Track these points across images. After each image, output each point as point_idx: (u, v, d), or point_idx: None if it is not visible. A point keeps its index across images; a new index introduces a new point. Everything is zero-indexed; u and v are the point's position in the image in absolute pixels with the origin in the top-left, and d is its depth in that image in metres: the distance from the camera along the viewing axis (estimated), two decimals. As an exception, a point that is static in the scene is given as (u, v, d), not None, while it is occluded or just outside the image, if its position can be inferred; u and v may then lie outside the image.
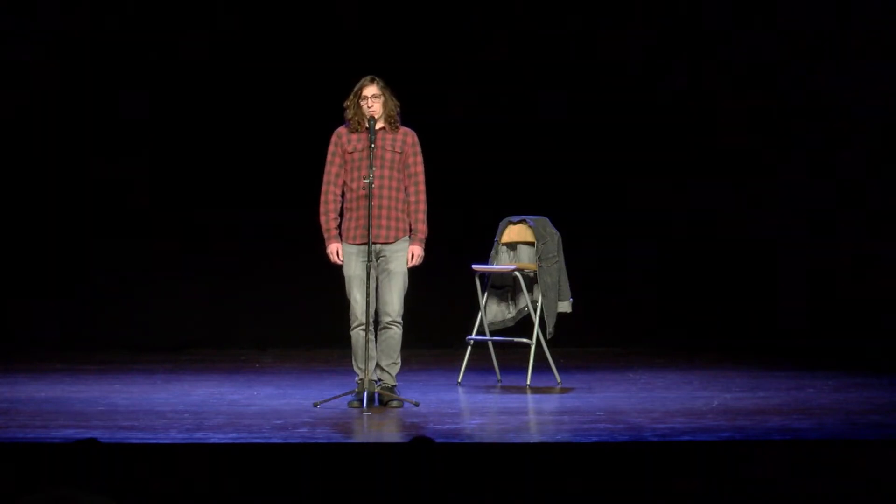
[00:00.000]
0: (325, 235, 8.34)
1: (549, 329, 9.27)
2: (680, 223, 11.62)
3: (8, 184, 11.42)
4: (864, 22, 11.55)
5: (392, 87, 8.30)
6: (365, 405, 8.06)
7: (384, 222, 8.25)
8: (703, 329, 11.50)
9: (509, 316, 9.60)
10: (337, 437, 7.18)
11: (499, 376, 9.56)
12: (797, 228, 11.59)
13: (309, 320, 11.33)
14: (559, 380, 9.31)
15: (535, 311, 9.35)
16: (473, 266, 9.43)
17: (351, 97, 8.28)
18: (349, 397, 8.24)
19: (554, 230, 9.36)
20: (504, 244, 9.54)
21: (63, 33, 11.33)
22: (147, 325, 11.42)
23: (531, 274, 9.37)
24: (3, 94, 11.38)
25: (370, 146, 8.17)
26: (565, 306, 9.33)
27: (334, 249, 8.32)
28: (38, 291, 11.42)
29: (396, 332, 8.30)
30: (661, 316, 11.59)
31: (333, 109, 8.41)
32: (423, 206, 8.34)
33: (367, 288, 8.17)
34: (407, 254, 8.29)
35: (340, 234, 8.32)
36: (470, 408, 8.51)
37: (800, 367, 10.18)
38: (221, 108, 11.42)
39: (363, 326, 8.18)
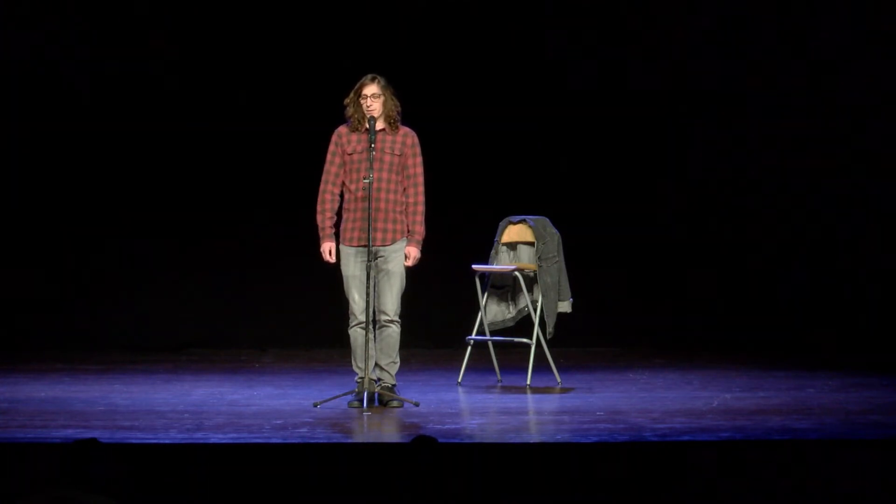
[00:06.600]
0: (320, 234, 8.33)
1: (549, 329, 9.26)
2: (680, 222, 11.63)
3: (7, 183, 11.41)
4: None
5: (393, 86, 8.29)
6: (365, 405, 8.05)
7: (381, 225, 8.24)
8: (703, 329, 11.50)
9: (509, 316, 9.60)
10: (337, 437, 7.18)
11: (499, 376, 9.55)
12: (798, 227, 11.60)
13: (309, 320, 11.32)
14: (559, 380, 9.31)
15: (535, 311, 9.35)
16: (473, 266, 9.43)
17: (351, 95, 8.27)
18: (349, 397, 8.24)
19: (554, 230, 9.35)
20: (504, 244, 9.53)
21: None
22: (147, 325, 11.42)
23: (531, 274, 9.36)
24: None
25: (370, 148, 8.16)
26: (565, 306, 9.33)
27: (327, 248, 8.31)
28: (39, 291, 11.40)
29: (394, 331, 8.30)
30: (662, 316, 11.57)
31: (335, 108, 8.40)
32: (421, 208, 8.33)
33: (367, 288, 8.17)
34: (404, 254, 8.30)
35: (337, 235, 8.32)
36: (470, 408, 8.51)
37: (800, 367, 10.18)
38: (221, 108, 11.40)
39: (362, 325, 8.18)
